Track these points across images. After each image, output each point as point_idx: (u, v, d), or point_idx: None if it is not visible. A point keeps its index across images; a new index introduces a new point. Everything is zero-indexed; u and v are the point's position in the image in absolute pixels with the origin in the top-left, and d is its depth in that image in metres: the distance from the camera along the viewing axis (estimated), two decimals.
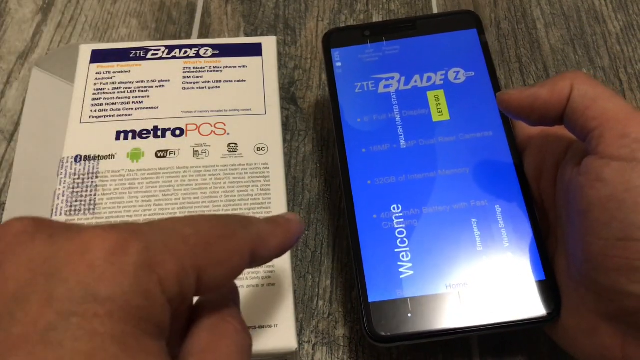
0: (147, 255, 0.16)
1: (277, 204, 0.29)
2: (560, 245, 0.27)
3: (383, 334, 0.26)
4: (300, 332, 0.31)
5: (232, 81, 0.33)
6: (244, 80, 0.33)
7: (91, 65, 0.34)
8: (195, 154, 0.31)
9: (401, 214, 0.28)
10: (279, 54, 0.40)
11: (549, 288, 0.26)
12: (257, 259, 0.19)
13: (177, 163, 0.30)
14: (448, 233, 0.28)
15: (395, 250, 0.28)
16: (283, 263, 0.28)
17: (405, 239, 0.28)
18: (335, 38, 0.34)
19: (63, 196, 0.29)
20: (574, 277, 0.25)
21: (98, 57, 0.34)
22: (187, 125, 0.32)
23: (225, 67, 0.34)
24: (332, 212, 0.34)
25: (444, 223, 0.28)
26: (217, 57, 0.34)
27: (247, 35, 0.41)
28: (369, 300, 0.26)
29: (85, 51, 0.34)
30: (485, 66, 0.32)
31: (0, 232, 0.16)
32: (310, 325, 0.31)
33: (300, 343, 0.30)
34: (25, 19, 0.42)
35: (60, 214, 0.29)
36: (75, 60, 0.34)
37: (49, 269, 0.15)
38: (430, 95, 0.31)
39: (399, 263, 0.27)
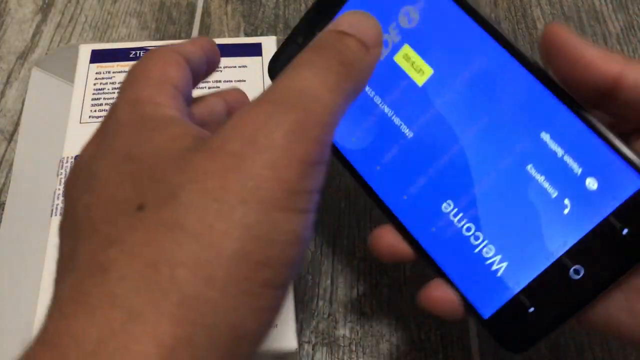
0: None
1: None
2: None
3: (519, 343, 0.22)
4: (300, 332, 0.31)
5: (232, 81, 0.33)
6: (244, 80, 0.33)
7: (91, 65, 0.34)
8: None
9: (456, 209, 0.24)
10: None
11: None
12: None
13: None
14: (513, 199, 0.23)
15: (475, 251, 0.23)
16: None
17: (477, 234, 0.23)
18: (281, 62, 0.28)
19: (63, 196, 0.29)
20: None
21: (98, 57, 0.34)
22: None
23: (225, 67, 0.34)
24: (332, 212, 0.34)
25: (502, 192, 0.23)
26: None
27: (247, 35, 0.41)
28: (485, 317, 0.23)
29: (85, 51, 0.34)
30: None
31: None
32: (310, 325, 0.31)
33: (300, 343, 0.30)
34: (25, 19, 0.42)
35: (60, 213, 0.29)
36: (75, 60, 0.34)
37: None
38: (398, 58, 0.25)
39: (487, 262, 0.23)
